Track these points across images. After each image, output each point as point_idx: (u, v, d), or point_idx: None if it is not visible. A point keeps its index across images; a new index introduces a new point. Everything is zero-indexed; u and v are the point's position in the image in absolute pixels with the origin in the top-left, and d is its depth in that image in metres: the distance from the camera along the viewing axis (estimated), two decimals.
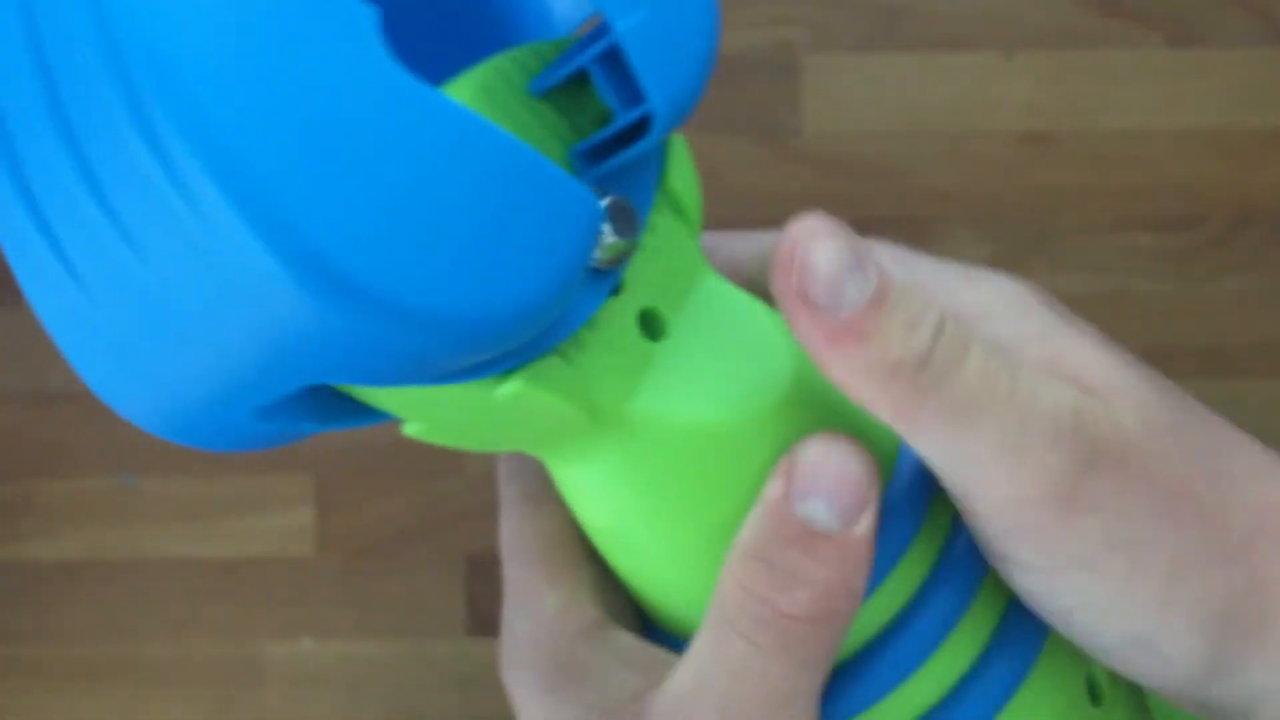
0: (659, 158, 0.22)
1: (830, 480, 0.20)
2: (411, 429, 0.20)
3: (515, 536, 0.24)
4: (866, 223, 0.44)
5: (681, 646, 0.23)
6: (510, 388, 0.19)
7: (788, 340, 0.22)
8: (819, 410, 0.22)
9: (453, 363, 0.18)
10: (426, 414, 0.20)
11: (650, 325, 0.21)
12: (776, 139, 0.44)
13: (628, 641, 0.23)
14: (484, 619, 0.44)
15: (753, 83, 0.44)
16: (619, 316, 0.21)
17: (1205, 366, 0.44)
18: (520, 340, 0.18)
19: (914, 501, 0.22)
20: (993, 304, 0.23)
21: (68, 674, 0.43)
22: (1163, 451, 0.20)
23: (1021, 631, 0.23)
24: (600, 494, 0.22)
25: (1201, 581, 0.20)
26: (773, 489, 0.21)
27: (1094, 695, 0.24)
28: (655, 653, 0.23)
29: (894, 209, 0.44)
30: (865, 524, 0.20)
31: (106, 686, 0.43)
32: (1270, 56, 0.44)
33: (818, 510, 0.20)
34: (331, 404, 0.20)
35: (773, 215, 0.44)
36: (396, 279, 0.16)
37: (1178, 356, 0.44)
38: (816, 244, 0.19)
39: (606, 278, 0.20)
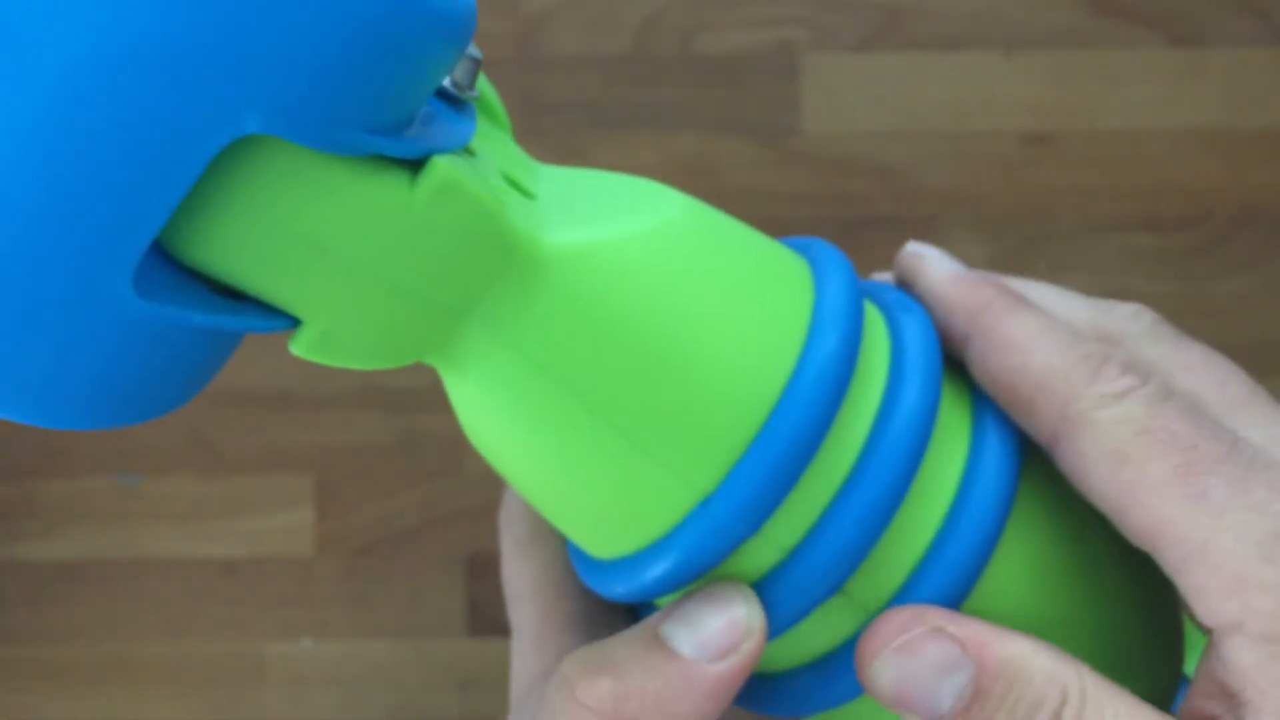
0: None
1: (703, 614, 0.20)
2: (300, 344, 0.18)
3: (507, 581, 0.24)
4: (866, 222, 0.44)
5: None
6: (439, 167, 0.17)
7: (661, 185, 0.21)
8: (726, 235, 0.20)
9: (384, 71, 0.16)
10: (320, 280, 0.17)
11: (516, 187, 0.20)
12: (776, 139, 0.44)
13: None
14: (484, 619, 0.44)
15: (753, 83, 0.44)
16: (484, 169, 0.20)
17: None
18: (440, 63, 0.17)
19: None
20: (1129, 328, 0.23)
21: (68, 674, 0.43)
22: None
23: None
24: (525, 391, 0.19)
25: None
26: None
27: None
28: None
29: (894, 209, 0.44)
30: (725, 665, 0.19)
31: (106, 686, 0.43)
32: (1270, 56, 0.44)
33: (677, 633, 0.20)
34: (213, 296, 0.18)
35: (773, 215, 0.44)
36: None
37: None
38: (923, 644, 0.19)
39: (463, 112, 0.20)
